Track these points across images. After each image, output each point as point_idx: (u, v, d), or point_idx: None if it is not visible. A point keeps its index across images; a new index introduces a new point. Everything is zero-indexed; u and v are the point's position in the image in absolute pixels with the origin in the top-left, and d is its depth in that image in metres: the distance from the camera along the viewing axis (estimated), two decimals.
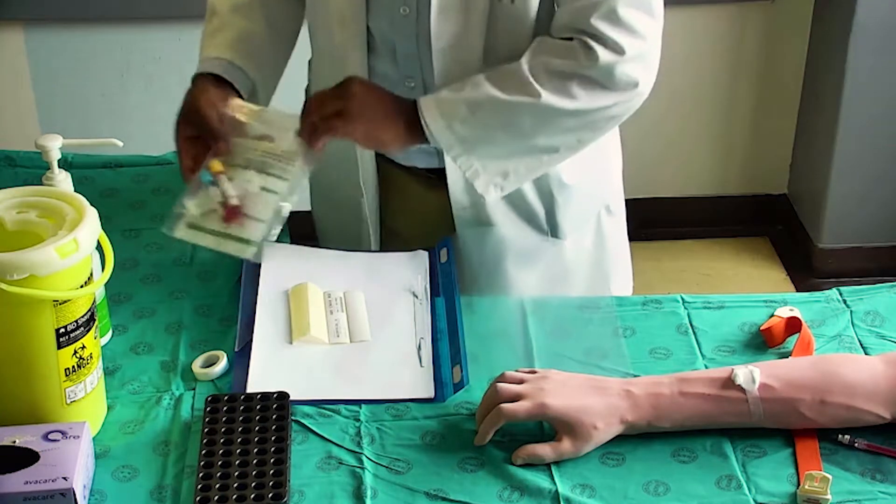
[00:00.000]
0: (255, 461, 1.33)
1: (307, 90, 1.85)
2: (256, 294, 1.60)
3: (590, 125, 1.59)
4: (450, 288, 1.61)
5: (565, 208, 1.74)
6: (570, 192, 1.73)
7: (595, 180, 1.79)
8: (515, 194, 1.69)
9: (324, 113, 1.55)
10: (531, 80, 1.53)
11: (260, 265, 1.64)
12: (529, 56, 1.55)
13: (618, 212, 1.87)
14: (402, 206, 1.80)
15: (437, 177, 1.72)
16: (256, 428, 1.37)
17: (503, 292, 1.74)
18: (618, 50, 1.52)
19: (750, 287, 3.34)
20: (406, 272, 1.66)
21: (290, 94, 2.33)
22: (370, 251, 1.79)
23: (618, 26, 1.51)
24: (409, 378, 1.48)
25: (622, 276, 1.91)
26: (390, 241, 1.81)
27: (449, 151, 1.58)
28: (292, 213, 1.92)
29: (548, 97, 1.53)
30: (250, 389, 1.45)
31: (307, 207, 1.95)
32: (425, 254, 1.69)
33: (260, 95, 1.71)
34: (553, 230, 1.76)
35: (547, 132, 1.58)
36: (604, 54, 1.51)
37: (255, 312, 1.57)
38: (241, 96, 1.65)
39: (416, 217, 1.79)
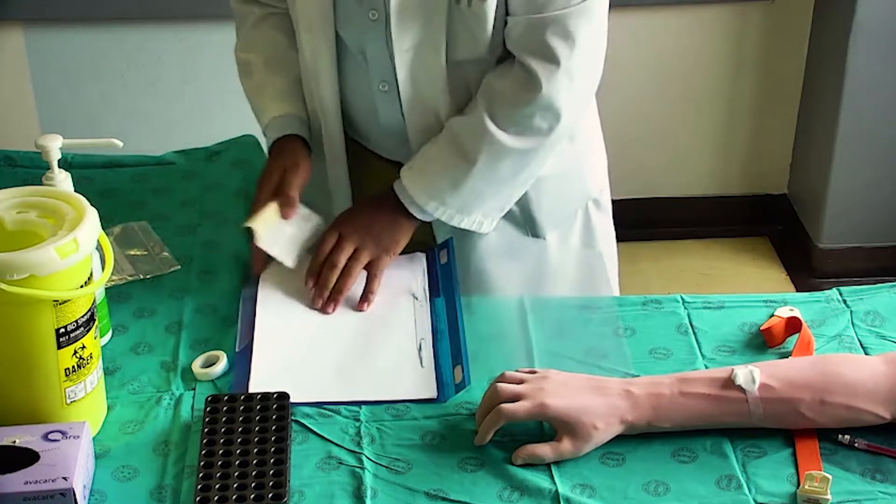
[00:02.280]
0: (255, 461, 1.33)
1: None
2: (256, 294, 1.60)
3: (558, 143, 1.66)
4: (450, 288, 1.61)
5: (540, 203, 1.75)
6: (544, 186, 1.74)
7: (574, 174, 1.79)
8: None
9: (337, 253, 1.61)
10: (495, 133, 1.59)
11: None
12: (484, 104, 1.60)
13: (606, 207, 1.88)
14: None
15: None
16: (256, 428, 1.37)
17: (485, 293, 1.74)
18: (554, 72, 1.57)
19: (750, 287, 3.34)
20: (405, 273, 1.66)
21: None
22: None
23: (543, 52, 1.57)
24: (411, 379, 1.48)
25: (612, 272, 1.92)
26: None
27: (451, 221, 1.66)
28: None
29: (515, 142, 1.60)
30: (251, 391, 1.45)
31: None
32: (423, 255, 1.69)
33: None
34: (531, 226, 1.77)
35: (527, 166, 1.65)
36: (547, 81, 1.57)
37: (255, 314, 1.57)
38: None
39: None
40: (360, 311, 1.60)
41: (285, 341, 1.53)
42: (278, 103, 1.72)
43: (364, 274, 1.64)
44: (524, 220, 1.76)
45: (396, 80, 1.63)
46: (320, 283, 1.61)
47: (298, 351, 1.52)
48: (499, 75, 1.61)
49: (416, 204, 1.64)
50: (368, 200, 1.69)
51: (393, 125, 1.69)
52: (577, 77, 1.59)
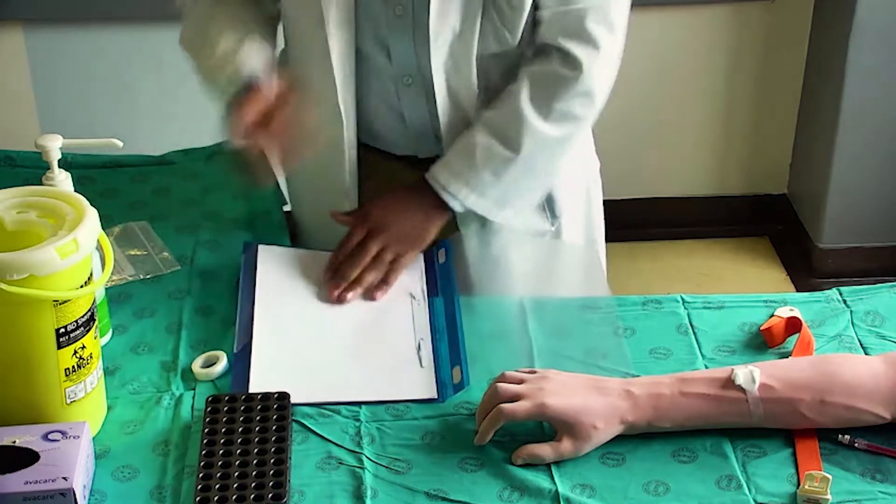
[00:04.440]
0: (255, 461, 1.33)
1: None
2: (254, 296, 1.60)
3: (586, 130, 1.72)
4: (449, 288, 1.61)
5: (559, 183, 1.77)
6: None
7: (578, 150, 1.81)
8: None
9: (361, 252, 1.60)
10: (535, 122, 1.61)
11: (257, 267, 1.64)
12: (524, 94, 1.62)
13: (599, 191, 1.91)
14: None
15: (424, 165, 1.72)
16: (257, 428, 1.37)
17: (505, 279, 1.75)
18: (594, 52, 1.61)
19: (750, 287, 3.34)
20: (403, 273, 1.66)
21: None
22: None
23: (583, 39, 1.61)
24: (411, 379, 1.48)
25: (602, 256, 1.94)
26: None
27: (488, 214, 1.67)
28: (288, 213, 1.92)
29: (554, 130, 1.63)
30: (251, 391, 1.45)
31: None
32: (421, 255, 1.69)
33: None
34: (550, 206, 1.78)
35: (562, 155, 1.69)
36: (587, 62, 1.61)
37: (253, 315, 1.57)
38: None
39: None
40: (373, 300, 1.59)
41: (285, 341, 1.53)
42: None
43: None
44: (545, 200, 1.78)
45: (420, 71, 1.64)
46: (340, 275, 1.60)
47: (298, 351, 1.52)
48: (536, 65, 1.63)
49: (453, 195, 1.64)
50: (400, 193, 1.68)
51: (418, 117, 1.70)
52: (611, 64, 1.63)
